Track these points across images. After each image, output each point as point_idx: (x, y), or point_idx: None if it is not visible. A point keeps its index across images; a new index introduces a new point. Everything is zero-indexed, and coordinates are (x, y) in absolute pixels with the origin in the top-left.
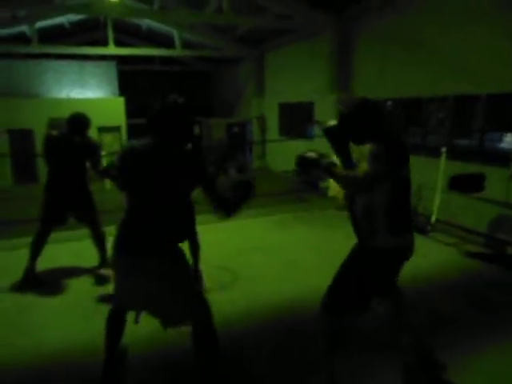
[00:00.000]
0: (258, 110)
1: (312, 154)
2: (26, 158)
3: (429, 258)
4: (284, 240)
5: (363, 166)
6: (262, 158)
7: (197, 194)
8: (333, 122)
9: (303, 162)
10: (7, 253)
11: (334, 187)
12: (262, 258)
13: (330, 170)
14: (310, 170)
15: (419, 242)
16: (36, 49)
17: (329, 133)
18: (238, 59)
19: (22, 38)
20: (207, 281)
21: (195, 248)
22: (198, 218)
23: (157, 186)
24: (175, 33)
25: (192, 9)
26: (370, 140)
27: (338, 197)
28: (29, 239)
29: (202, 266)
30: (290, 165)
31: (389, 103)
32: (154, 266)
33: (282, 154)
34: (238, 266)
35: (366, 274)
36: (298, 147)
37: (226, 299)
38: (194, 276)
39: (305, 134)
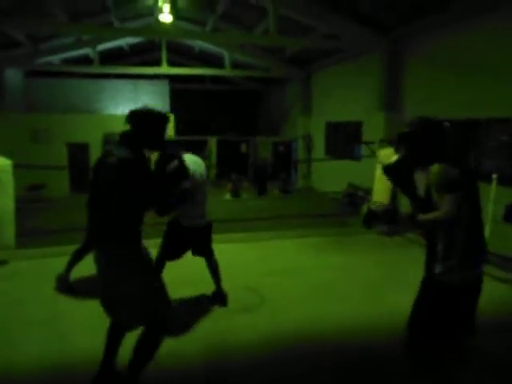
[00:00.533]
0: (305, 129)
1: (379, 207)
2: (81, 170)
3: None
4: (316, 264)
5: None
6: (307, 177)
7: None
8: (392, 158)
9: (373, 216)
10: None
11: (378, 191)
12: (291, 281)
13: (413, 222)
14: (378, 220)
15: None
16: (97, 69)
17: (389, 171)
18: (286, 79)
19: (84, 60)
20: (231, 302)
21: (213, 268)
22: (227, 237)
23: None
24: (225, 53)
25: (242, 30)
26: (435, 161)
27: (383, 202)
28: (69, 247)
29: (227, 286)
30: (335, 185)
31: (446, 123)
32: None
33: (328, 174)
34: (265, 289)
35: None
36: (344, 168)
37: (248, 323)
38: (218, 296)
39: (351, 155)
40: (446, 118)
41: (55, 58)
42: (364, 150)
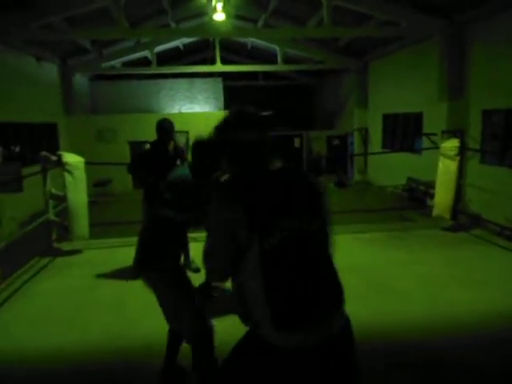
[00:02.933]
0: (361, 121)
1: None
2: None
3: None
4: (378, 260)
5: None
6: (363, 171)
7: None
8: None
9: None
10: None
11: (440, 205)
12: (354, 278)
13: None
14: None
15: None
16: (155, 70)
17: None
18: (341, 71)
19: (143, 62)
20: None
21: None
22: None
23: None
24: (278, 48)
25: (294, 24)
26: None
27: (445, 216)
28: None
29: None
30: (393, 179)
31: None
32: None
33: (385, 168)
34: None
35: None
36: (403, 161)
37: None
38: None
39: (411, 147)
40: None
41: (117, 62)
42: (424, 142)
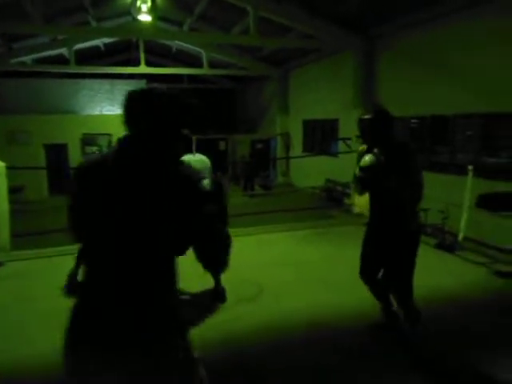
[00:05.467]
0: (283, 127)
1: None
2: (59, 171)
3: (456, 276)
4: (309, 255)
5: None
6: (285, 174)
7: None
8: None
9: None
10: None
11: (360, 204)
12: (288, 273)
13: None
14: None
15: (447, 260)
16: (73, 69)
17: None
18: (264, 77)
19: (60, 59)
20: (233, 294)
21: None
22: None
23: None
24: (203, 53)
25: (219, 30)
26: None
27: (365, 213)
28: (62, 248)
29: (226, 280)
30: (312, 181)
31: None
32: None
33: (306, 171)
34: (262, 280)
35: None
36: (322, 164)
37: (246, 312)
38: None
39: (328, 151)
40: (418, 115)
41: (30, 58)
42: (340, 146)
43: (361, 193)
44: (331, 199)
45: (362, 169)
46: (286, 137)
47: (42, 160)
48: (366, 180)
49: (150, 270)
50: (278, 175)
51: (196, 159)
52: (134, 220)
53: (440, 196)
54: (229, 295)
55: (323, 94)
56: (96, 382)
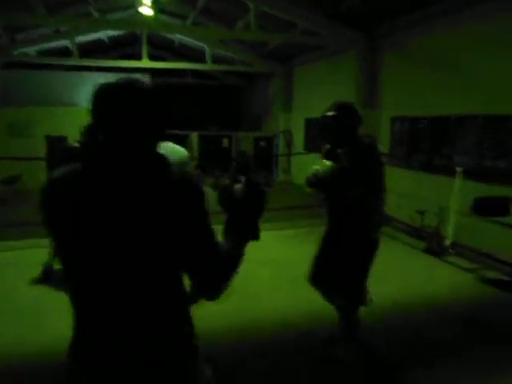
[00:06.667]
0: (285, 124)
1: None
2: (59, 163)
3: (439, 282)
4: (294, 255)
5: None
6: (287, 171)
7: None
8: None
9: None
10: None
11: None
12: (268, 273)
13: None
14: None
15: (432, 265)
16: (76, 62)
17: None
18: (268, 74)
19: (63, 52)
20: None
21: None
22: None
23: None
24: (206, 48)
25: (222, 25)
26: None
27: None
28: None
29: None
30: None
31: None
32: None
33: (307, 169)
34: (239, 279)
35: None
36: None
37: (219, 311)
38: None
39: None
40: (421, 116)
41: (33, 50)
42: None
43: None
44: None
45: (315, 175)
46: (288, 134)
47: (42, 151)
48: (316, 185)
49: (157, 300)
50: (279, 173)
51: (172, 150)
52: (128, 245)
53: (439, 199)
54: None
55: (326, 93)
56: None
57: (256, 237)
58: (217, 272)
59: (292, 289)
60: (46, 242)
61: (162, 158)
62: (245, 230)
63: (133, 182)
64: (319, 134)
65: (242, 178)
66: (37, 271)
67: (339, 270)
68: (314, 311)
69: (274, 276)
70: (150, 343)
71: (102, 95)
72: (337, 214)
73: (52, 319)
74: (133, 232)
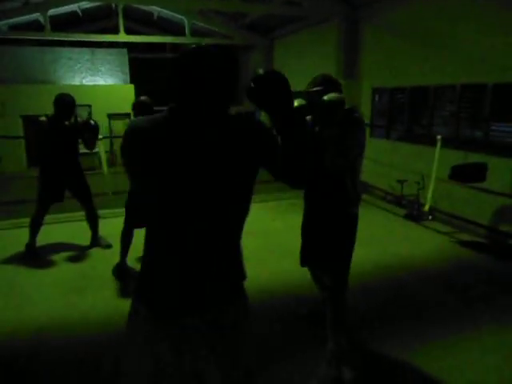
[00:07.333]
0: None
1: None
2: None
3: (418, 245)
4: (276, 225)
5: None
6: None
7: None
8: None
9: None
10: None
11: None
12: (256, 242)
13: None
14: None
15: (411, 229)
16: (48, 36)
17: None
18: (249, 47)
19: (35, 26)
20: None
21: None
22: None
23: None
24: (185, 20)
25: None
26: None
27: None
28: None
29: None
30: None
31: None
32: (209, 331)
33: None
34: None
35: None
36: None
37: None
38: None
39: None
40: (400, 86)
41: (4, 24)
42: None
43: None
44: None
45: None
46: None
47: (20, 132)
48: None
49: (223, 240)
50: None
51: None
52: (211, 179)
53: (419, 168)
54: None
55: (307, 65)
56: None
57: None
58: (297, 160)
59: (275, 258)
60: (27, 221)
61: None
62: (286, 107)
63: (213, 129)
64: (306, 110)
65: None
66: (20, 250)
67: (323, 249)
68: (297, 280)
69: (257, 246)
70: (221, 261)
71: (188, 62)
72: (315, 192)
73: (35, 297)
74: (217, 171)
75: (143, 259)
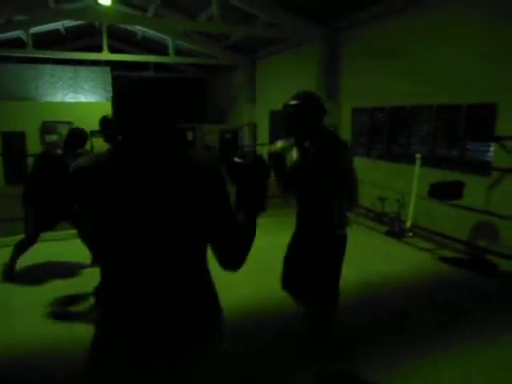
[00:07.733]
0: (250, 117)
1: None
2: (17, 160)
3: (399, 262)
4: (262, 244)
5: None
6: None
7: None
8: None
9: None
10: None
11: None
12: None
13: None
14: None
15: (393, 246)
16: (31, 53)
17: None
18: (232, 67)
19: (17, 43)
20: None
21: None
22: None
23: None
24: (169, 40)
25: (185, 17)
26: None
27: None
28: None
29: None
30: None
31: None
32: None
33: None
34: (215, 268)
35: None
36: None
37: None
38: None
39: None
40: (379, 107)
41: None
42: None
43: (284, 191)
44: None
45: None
46: (253, 127)
47: None
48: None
49: (177, 279)
50: None
51: None
52: (158, 222)
53: (399, 186)
54: None
55: (288, 86)
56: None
57: (264, 208)
58: (238, 243)
59: (261, 278)
60: (6, 240)
61: (183, 145)
62: (255, 201)
63: (161, 167)
64: (282, 125)
65: (248, 151)
66: None
67: (311, 271)
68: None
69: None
70: (178, 301)
71: (123, 94)
72: (305, 212)
73: (17, 317)
74: (163, 211)
75: (102, 293)
